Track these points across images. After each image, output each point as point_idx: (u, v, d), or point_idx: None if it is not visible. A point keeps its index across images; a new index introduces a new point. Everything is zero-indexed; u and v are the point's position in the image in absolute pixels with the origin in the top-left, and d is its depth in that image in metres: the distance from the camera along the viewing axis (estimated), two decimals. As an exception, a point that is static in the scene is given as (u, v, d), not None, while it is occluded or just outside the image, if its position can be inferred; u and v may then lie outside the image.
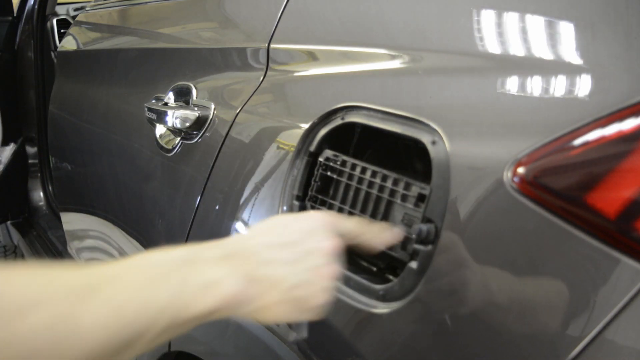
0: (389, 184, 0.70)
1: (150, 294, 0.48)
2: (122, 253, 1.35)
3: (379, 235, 0.67)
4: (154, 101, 1.23)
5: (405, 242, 0.68)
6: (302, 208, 0.80)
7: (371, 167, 0.72)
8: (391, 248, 0.69)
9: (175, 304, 0.48)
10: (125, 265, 0.50)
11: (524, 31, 0.64)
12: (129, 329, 0.46)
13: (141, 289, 0.48)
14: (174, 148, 1.15)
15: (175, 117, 1.08)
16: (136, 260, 0.51)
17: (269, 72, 0.98)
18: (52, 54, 2.58)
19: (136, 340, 0.47)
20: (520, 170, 0.55)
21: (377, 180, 0.71)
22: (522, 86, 0.61)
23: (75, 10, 2.76)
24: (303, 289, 0.55)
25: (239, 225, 0.92)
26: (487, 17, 0.68)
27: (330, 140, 0.79)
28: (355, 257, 0.77)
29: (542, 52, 0.61)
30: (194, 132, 1.08)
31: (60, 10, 2.74)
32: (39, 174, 2.66)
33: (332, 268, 0.58)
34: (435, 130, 0.64)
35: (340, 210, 0.76)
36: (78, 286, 0.46)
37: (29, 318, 0.42)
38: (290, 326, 0.78)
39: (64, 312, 0.44)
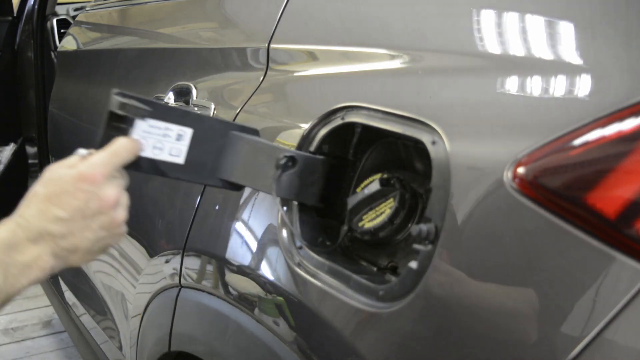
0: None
1: None
2: (122, 253, 1.35)
3: (125, 146, 0.69)
4: (154, 101, 1.23)
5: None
6: (302, 208, 0.80)
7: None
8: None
9: (6, 283, 0.64)
10: None
11: (524, 31, 0.64)
12: None
13: None
14: (174, 148, 1.15)
15: (175, 117, 1.08)
16: None
17: (269, 72, 0.97)
18: (52, 54, 2.57)
19: None
20: (520, 170, 0.55)
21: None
22: (522, 86, 0.61)
23: (75, 10, 2.75)
24: (101, 243, 0.69)
25: (239, 225, 0.92)
26: (487, 17, 0.68)
27: (330, 140, 0.79)
28: (355, 257, 0.77)
29: (542, 52, 0.61)
30: (194, 132, 1.08)
31: (60, 10, 2.73)
32: (39, 174, 2.65)
33: (117, 216, 0.69)
34: (435, 130, 0.64)
35: None
36: None
37: None
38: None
39: None
